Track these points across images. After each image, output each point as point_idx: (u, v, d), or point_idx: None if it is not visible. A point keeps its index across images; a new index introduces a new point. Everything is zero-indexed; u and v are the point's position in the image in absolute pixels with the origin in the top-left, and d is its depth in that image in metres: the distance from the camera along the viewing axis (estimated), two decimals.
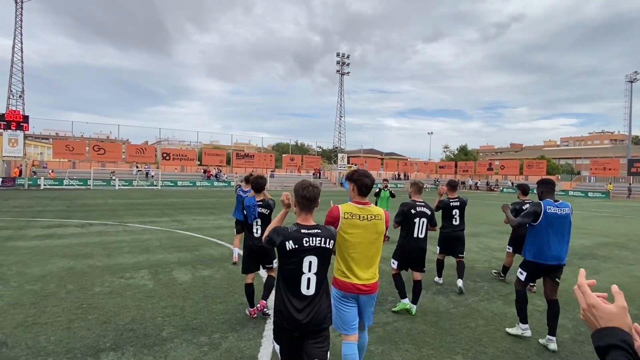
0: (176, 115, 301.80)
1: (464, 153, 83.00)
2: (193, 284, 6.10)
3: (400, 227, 5.19)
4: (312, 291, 2.49)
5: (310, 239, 2.47)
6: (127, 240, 9.57)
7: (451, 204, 6.39)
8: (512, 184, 54.70)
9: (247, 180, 7.59)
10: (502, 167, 60.62)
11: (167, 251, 8.44)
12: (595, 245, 10.90)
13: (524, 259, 4.41)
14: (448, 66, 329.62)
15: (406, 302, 5.11)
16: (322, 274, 2.53)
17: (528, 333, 4.40)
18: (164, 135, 68.42)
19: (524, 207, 6.40)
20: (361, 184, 3.04)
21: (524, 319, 4.42)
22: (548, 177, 5.27)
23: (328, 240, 2.54)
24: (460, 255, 6.39)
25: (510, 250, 6.89)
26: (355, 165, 43.57)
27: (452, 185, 6.64)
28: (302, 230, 2.49)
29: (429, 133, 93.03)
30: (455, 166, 65.77)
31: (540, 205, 4.19)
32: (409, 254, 5.10)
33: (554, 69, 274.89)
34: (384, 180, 12.21)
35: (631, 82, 65.02)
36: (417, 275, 5.10)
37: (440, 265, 6.70)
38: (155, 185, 39.53)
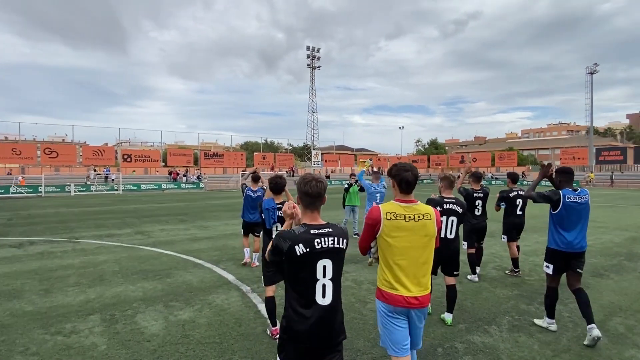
0: (137, 115, 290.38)
1: (435, 147, 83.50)
2: (168, 339, 4.18)
3: None
4: (328, 300, 2.18)
5: (322, 239, 2.17)
6: (76, 265, 7.42)
7: (475, 195, 6.40)
8: (489, 174, 55.09)
9: (254, 179, 7.11)
10: (475, 160, 60.90)
11: (128, 280, 6.41)
12: (626, 242, 9.77)
13: (547, 249, 4.43)
14: (410, 63, 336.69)
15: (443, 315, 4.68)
16: (337, 279, 2.24)
17: (553, 327, 4.43)
18: (125, 136, 64.29)
19: (511, 195, 6.66)
20: (400, 179, 2.65)
21: (551, 314, 4.46)
22: (567, 166, 5.41)
23: (341, 239, 2.25)
24: (480, 242, 6.62)
25: (505, 239, 6.91)
26: (370, 160, 41.44)
27: (477, 177, 6.65)
28: (312, 231, 2.18)
29: (400, 127, 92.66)
30: (428, 160, 65.71)
31: (558, 193, 4.24)
32: (439, 257, 4.09)
33: (509, 65, 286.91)
34: (352, 175, 11.82)
35: (591, 73, 67.19)
36: (450, 280, 4.59)
37: (472, 258, 6.52)
38: (116, 190, 36.34)
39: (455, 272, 4.56)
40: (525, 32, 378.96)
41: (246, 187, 7.45)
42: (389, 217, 2.56)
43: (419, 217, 2.59)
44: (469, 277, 6.41)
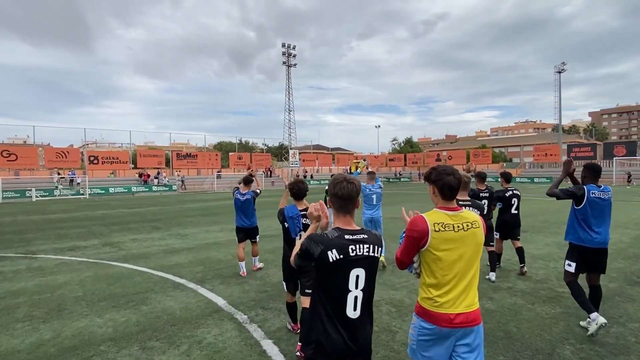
0: (104, 116, 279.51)
1: (410, 145, 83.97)
2: None
3: None
4: (358, 312, 2.01)
5: (357, 246, 2.01)
6: (29, 291, 6.15)
7: (480, 195, 6.44)
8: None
9: (245, 181, 6.79)
10: (450, 158, 61.42)
11: (94, 309, 5.24)
12: (636, 242, 9.28)
13: (570, 245, 4.45)
14: (382, 63, 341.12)
15: None
16: (369, 290, 2.07)
17: (601, 320, 4.06)
18: (92, 137, 61.14)
19: (507, 195, 6.68)
20: (442, 185, 2.35)
21: (589, 310, 4.19)
22: (594, 162, 4.83)
23: (376, 247, 2.08)
24: (490, 243, 6.51)
25: (498, 236, 6.85)
26: (365, 160, 40.41)
27: (482, 177, 6.67)
28: (347, 236, 2.02)
29: (376, 126, 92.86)
30: (405, 158, 65.81)
31: (582, 188, 4.26)
32: None
33: (476, 65, 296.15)
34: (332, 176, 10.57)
35: (559, 72, 69.28)
36: None
37: (492, 257, 6.46)
38: (82, 194, 34.10)
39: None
40: (490, 34, 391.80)
41: (237, 190, 7.01)
42: (437, 229, 2.29)
43: (468, 226, 2.34)
44: (486, 276, 6.34)
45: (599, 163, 47.27)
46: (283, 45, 52.91)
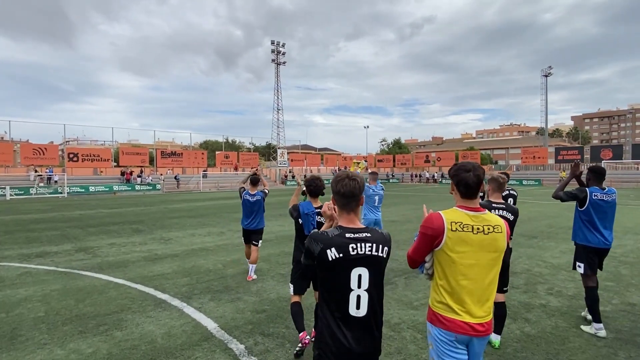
0: (86, 113, 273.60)
1: (399, 146, 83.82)
2: None
3: None
4: (362, 312, 1.95)
5: (359, 245, 1.95)
6: None
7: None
8: (443, 175, 55.66)
9: (253, 181, 6.65)
10: (439, 159, 61.27)
11: (56, 336, 4.30)
12: None
13: (576, 245, 4.53)
14: (369, 65, 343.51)
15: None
16: (374, 290, 1.99)
17: (602, 333, 4.21)
18: (74, 134, 59.07)
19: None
20: (458, 181, 2.21)
21: (597, 319, 4.28)
22: (598, 165, 4.87)
23: (381, 247, 1.99)
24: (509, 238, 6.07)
25: None
26: (365, 161, 39.64)
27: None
28: (347, 235, 1.97)
29: (365, 127, 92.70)
30: (394, 159, 65.44)
31: (585, 190, 4.36)
32: None
33: (461, 69, 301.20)
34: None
35: (546, 76, 70.10)
36: (500, 297, 3.85)
37: None
38: (61, 193, 32.54)
39: (504, 288, 3.99)
40: (475, 38, 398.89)
41: (244, 190, 6.67)
42: (454, 228, 2.14)
43: (489, 229, 2.16)
44: None
45: (586, 166, 47.98)
46: (272, 43, 51.88)
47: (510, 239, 2.89)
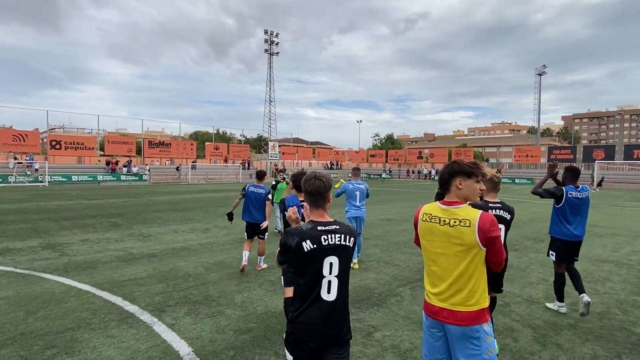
0: (74, 100, 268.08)
1: (391, 142, 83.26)
2: None
3: None
4: (333, 296, 2.17)
5: (329, 236, 2.17)
6: None
7: None
8: (437, 171, 55.31)
9: (259, 175, 6.77)
10: (432, 155, 60.84)
11: None
12: None
13: (551, 238, 5.03)
14: (362, 59, 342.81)
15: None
16: (343, 277, 2.21)
17: (563, 310, 4.95)
18: (59, 121, 57.22)
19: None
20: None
21: (560, 298, 5.00)
22: (574, 165, 5.38)
23: (348, 237, 2.23)
24: None
25: None
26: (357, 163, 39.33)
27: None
28: (319, 227, 2.18)
29: (358, 121, 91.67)
30: (386, 155, 64.86)
31: (561, 189, 4.84)
32: None
33: (453, 66, 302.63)
34: (280, 171, 11.66)
35: (540, 74, 70.03)
36: (492, 294, 3.66)
37: None
38: (41, 182, 31.28)
39: (501, 288, 3.88)
40: (468, 36, 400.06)
41: (248, 185, 6.70)
42: (424, 219, 2.42)
43: (455, 222, 2.28)
44: None
45: (579, 166, 47.79)
46: (266, 32, 50.63)
47: (506, 237, 3.42)
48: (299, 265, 2.17)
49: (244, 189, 6.67)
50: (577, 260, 5.03)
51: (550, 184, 5.05)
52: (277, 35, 51.65)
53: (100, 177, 35.13)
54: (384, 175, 52.93)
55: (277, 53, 52.02)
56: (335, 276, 2.17)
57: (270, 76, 52.37)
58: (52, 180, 32.03)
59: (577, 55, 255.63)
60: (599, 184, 35.67)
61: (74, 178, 33.48)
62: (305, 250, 2.11)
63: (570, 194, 4.80)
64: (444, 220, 2.32)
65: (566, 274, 5.03)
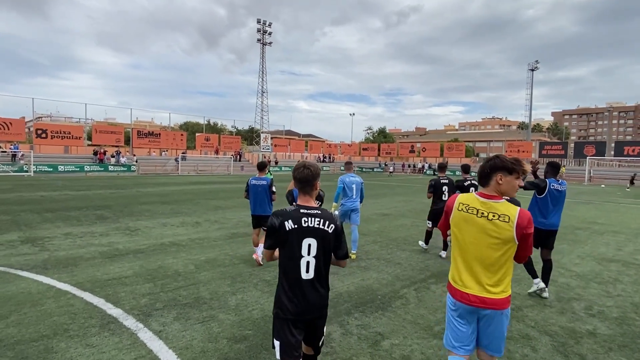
0: (62, 88, 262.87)
1: (384, 136, 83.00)
2: None
3: None
4: (310, 275, 2.36)
5: (310, 219, 2.36)
6: None
7: (441, 181, 7.47)
8: (430, 165, 55.37)
9: (260, 167, 6.68)
10: (424, 150, 60.73)
11: None
12: None
13: None
14: (354, 52, 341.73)
15: None
16: (321, 259, 2.38)
17: (542, 285, 5.27)
18: (47, 110, 55.71)
19: (465, 184, 7.17)
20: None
21: (534, 275, 5.33)
22: (555, 160, 6.08)
23: (328, 223, 2.39)
24: None
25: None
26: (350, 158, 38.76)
27: (442, 166, 7.68)
28: (302, 210, 2.39)
29: (350, 114, 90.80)
30: (379, 148, 64.61)
31: (545, 181, 5.21)
32: None
33: (444, 61, 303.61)
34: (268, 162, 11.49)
35: (532, 70, 70.08)
36: None
37: (429, 235, 7.68)
38: (27, 172, 30.40)
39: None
40: (459, 31, 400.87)
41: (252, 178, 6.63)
42: (460, 208, 2.46)
43: (493, 216, 2.34)
44: (420, 243, 7.92)
45: (570, 162, 47.79)
46: (258, 22, 49.62)
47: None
48: (282, 245, 2.37)
49: (247, 184, 6.65)
50: (552, 249, 5.34)
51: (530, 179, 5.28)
52: (269, 25, 50.74)
53: (87, 168, 34.28)
54: (391, 169, 52.27)
55: (270, 43, 51.14)
56: (314, 257, 2.35)
57: (262, 66, 51.54)
58: (37, 170, 31.15)
59: (566, 52, 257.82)
60: (632, 182, 34.57)
61: (60, 168, 32.61)
62: (287, 229, 2.31)
63: (552, 185, 5.18)
64: (482, 213, 2.36)
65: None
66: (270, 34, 50.77)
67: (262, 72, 51.50)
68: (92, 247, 7.39)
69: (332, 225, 2.38)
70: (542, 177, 5.35)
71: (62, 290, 5.00)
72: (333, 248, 2.42)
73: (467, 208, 2.42)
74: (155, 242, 7.85)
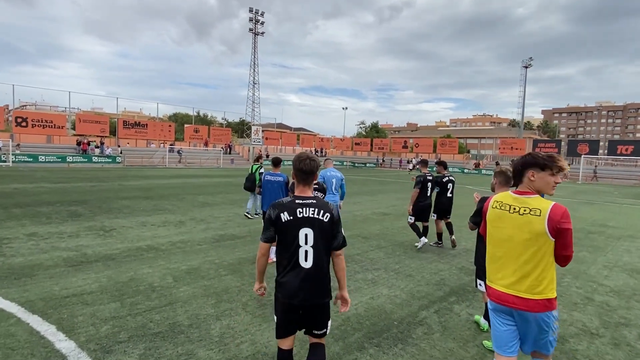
0: (49, 77, 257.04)
1: (376, 130, 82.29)
2: None
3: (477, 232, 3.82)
4: (309, 264, 2.40)
5: (304, 209, 2.41)
6: None
7: (427, 177, 7.44)
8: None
9: (274, 162, 6.55)
10: (417, 145, 60.10)
11: None
12: None
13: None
14: (346, 47, 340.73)
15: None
16: (320, 247, 2.42)
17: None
18: (31, 98, 53.68)
19: (443, 180, 7.51)
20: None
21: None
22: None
23: (323, 212, 2.42)
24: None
25: (435, 217, 7.70)
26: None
27: (425, 162, 7.72)
28: (297, 201, 2.44)
29: (343, 108, 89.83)
30: (371, 143, 63.81)
31: None
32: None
33: (435, 57, 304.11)
34: (259, 158, 11.52)
35: (526, 67, 69.84)
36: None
37: (416, 228, 7.46)
38: (4, 162, 28.89)
39: None
40: (450, 27, 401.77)
41: (262, 173, 6.63)
42: (494, 206, 2.49)
43: (525, 210, 2.33)
44: (416, 244, 7.54)
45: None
46: (250, 10, 48.16)
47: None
48: (280, 236, 2.41)
49: (260, 180, 6.53)
50: None
51: None
52: (262, 14, 49.32)
53: (69, 159, 32.82)
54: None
55: (263, 33, 49.76)
56: (311, 246, 2.38)
57: (254, 57, 50.18)
58: (17, 160, 29.67)
59: (555, 51, 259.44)
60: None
61: (41, 158, 31.11)
62: (283, 220, 2.37)
63: None
64: (514, 208, 2.37)
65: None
66: (262, 23, 49.38)
67: (254, 63, 50.18)
68: (57, 251, 6.41)
69: (327, 214, 2.42)
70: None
71: (6, 312, 4.04)
72: (330, 237, 2.43)
73: (500, 205, 2.44)
74: (130, 246, 6.89)
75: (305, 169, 2.46)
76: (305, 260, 2.38)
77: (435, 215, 7.67)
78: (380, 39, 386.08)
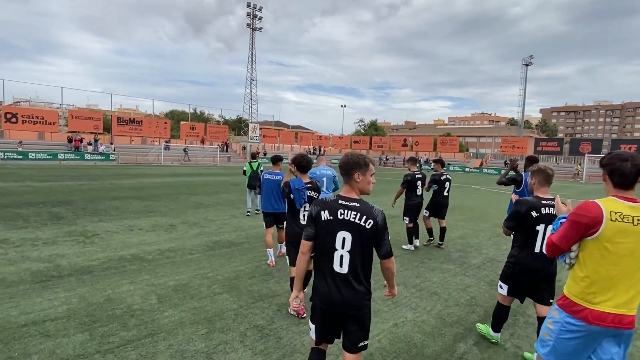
0: (44, 73, 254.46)
1: (375, 128, 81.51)
2: None
3: (513, 236, 3.54)
4: (345, 269, 2.27)
5: (346, 211, 2.27)
6: None
7: (416, 175, 7.31)
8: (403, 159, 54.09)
9: (274, 160, 6.40)
10: (417, 144, 59.39)
11: None
12: None
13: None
14: (343, 45, 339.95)
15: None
16: (357, 254, 2.26)
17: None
18: (26, 94, 52.54)
19: (441, 178, 7.44)
20: (612, 170, 2.15)
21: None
22: (533, 155, 6.44)
23: (365, 218, 2.24)
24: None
25: (427, 214, 7.64)
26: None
27: (414, 160, 7.65)
28: (340, 201, 2.32)
29: (342, 106, 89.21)
30: (370, 141, 63.05)
31: (521, 175, 5.59)
32: (530, 277, 3.36)
33: (432, 56, 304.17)
34: (256, 154, 11.69)
35: (527, 65, 69.37)
36: (543, 310, 3.28)
37: (410, 232, 7.32)
38: None
39: (551, 300, 3.32)
40: (448, 26, 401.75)
41: (263, 172, 6.17)
42: (613, 218, 2.06)
43: None
44: (404, 246, 7.33)
45: (566, 159, 46.71)
46: (248, 5, 47.13)
47: None
48: (317, 235, 2.33)
49: (259, 179, 6.49)
50: None
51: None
52: (260, 9, 48.35)
53: (61, 156, 31.82)
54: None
55: (260, 29, 48.78)
56: (348, 251, 2.26)
57: (252, 53, 49.20)
58: (5, 157, 28.67)
59: (551, 51, 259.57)
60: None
61: (31, 155, 30.11)
62: (323, 219, 2.30)
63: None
64: (638, 219, 2.06)
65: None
66: (260, 19, 48.40)
67: (251, 60, 49.19)
68: (26, 262, 5.57)
69: (370, 220, 2.24)
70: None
71: None
72: (374, 245, 2.28)
73: (621, 217, 2.05)
74: (112, 256, 6.06)
75: (345, 166, 2.36)
76: (340, 265, 2.27)
77: (427, 212, 7.61)
78: (378, 38, 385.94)
